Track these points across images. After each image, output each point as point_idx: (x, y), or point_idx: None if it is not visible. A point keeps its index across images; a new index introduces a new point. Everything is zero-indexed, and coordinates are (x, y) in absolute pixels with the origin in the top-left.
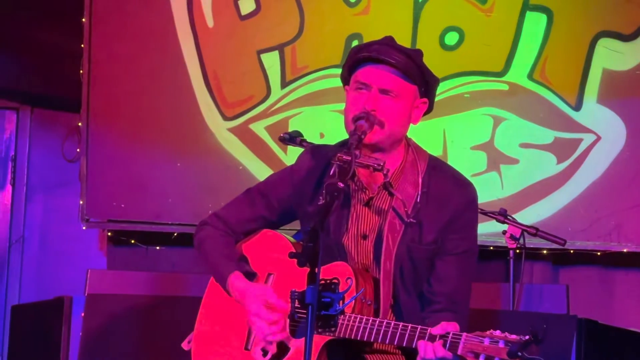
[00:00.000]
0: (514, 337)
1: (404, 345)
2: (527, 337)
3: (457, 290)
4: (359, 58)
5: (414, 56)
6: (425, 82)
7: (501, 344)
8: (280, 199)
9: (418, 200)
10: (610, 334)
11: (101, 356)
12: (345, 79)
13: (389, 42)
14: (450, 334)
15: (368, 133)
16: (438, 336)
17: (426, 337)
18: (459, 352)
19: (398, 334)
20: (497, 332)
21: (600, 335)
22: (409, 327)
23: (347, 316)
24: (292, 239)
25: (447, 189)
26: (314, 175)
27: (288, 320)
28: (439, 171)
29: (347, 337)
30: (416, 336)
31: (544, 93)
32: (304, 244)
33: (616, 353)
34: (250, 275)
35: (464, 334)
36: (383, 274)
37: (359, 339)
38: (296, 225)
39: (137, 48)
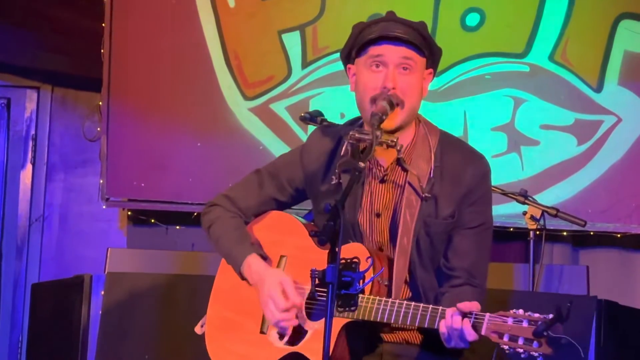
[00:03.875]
0: (537, 316)
1: (426, 326)
2: (551, 315)
3: (475, 263)
4: (372, 39)
5: (421, 29)
6: (432, 53)
7: (525, 324)
8: (291, 180)
9: (431, 175)
10: (630, 315)
11: (121, 334)
12: (349, 56)
13: (393, 17)
14: (473, 315)
15: (390, 114)
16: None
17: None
18: (483, 332)
19: (419, 315)
20: (520, 312)
21: (620, 316)
22: (430, 308)
23: (365, 298)
24: (302, 220)
25: (460, 163)
26: (325, 155)
27: (301, 308)
28: (450, 145)
29: (366, 319)
30: (437, 317)
31: (565, 75)
32: (325, 223)
33: (636, 334)
34: (264, 259)
35: (487, 314)
36: (398, 250)
37: (378, 320)
38: (305, 205)
39: (158, 28)
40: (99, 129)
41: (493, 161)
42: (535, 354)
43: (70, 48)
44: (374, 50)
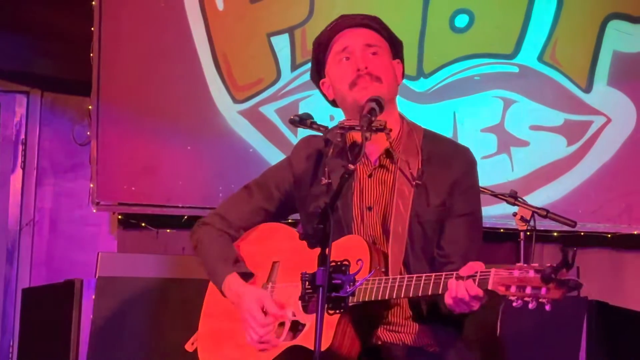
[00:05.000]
0: (540, 265)
1: (430, 293)
2: (556, 263)
3: (470, 250)
4: (332, 33)
5: (375, 17)
6: (393, 41)
7: (531, 273)
8: (279, 187)
9: (420, 165)
10: (620, 316)
11: (112, 338)
12: (319, 74)
13: (345, 15)
14: (479, 272)
15: (378, 115)
16: (466, 276)
17: (454, 278)
18: (489, 286)
19: (422, 284)
20: (525, 265)
21: (610, 316)
22: (433, 275)
23: (366, 280)
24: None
25: (447, 154)
26: (313, 157)
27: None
28: (435, 139)
29: (367, 299)
30: (442, 280)
31: (554, 75)
32: (315, 226)
33: (626, 334)
34: (247, 276)
35: (493, 269)
36: (393, 239)
37: (380, 298)
38: (293, 218)
39: (147, 31)
40: (88, 133)
41: (483, 162)
42: (544, 301)
43: (59, 52)
44: (338, 44)
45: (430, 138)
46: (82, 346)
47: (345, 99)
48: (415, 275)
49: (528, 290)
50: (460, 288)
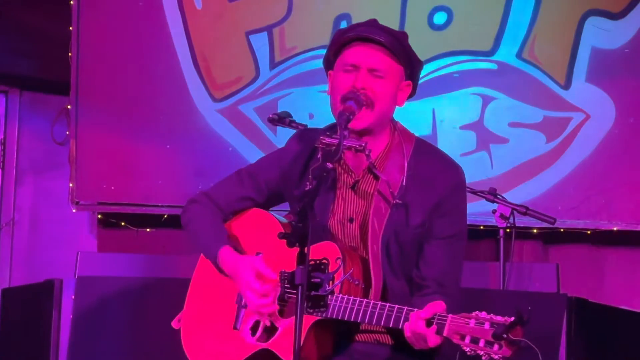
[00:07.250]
0: (499, 318)
1: (390, 326)
2: (512, 318)
3: (446, 273)
4: (347, 38)
5: (400, 37)
6: (411, 64)
7: (487, 326)
8: (268, 182)
9: (404, 183)
10: (600, 312)
11: (92, 338)
12: (329, 62)
13: (374, 23)
14: (436, 317)
15: (357, 114)
16: (424, 319)
17: (412, 315)
18: (445, 333)
19: (385, 315)
20: (483, 314)
21: (590, 313)
22: (395, 308)
23: (335, 297)
24: (281, 219)
25: (434, 172)
26: (301, 159)
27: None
28: (425, 153)
29: (334, 317)
30: (402, 318)
31: (533, 72)
32: (294, 225)
33: (606, 331)
34: (240, 253)
35: (450, 315)
36: (372, 257)
37: (346, 319)
38: (285, 206)
39: (125, 31)
40: (67, 132)
41: (462, 159)
42: (495, 357)
43: (37, 52)
44: (348, 53)
45: (419, 152)
46: (62, 346)
47: (335, 106)
48: (380, 304)
49: (481, 343)
50: (418, 328)
